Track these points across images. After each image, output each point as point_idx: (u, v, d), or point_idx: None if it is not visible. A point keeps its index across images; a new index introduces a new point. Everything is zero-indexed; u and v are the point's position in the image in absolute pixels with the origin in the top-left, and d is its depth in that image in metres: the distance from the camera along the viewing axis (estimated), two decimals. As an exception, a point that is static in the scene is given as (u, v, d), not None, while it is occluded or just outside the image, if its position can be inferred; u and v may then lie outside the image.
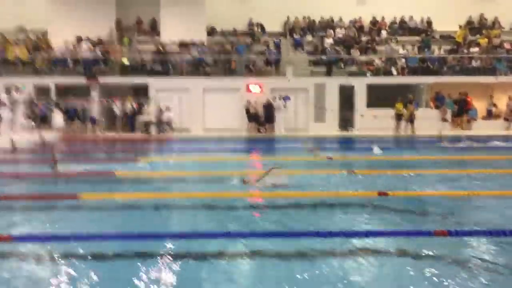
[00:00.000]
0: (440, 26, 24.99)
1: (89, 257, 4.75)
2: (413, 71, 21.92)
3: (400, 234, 5.38)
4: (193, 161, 11.72)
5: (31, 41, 23.36)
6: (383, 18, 25.65)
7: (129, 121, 20.87)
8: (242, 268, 4.57)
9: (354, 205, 6.95)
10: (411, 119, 19.22)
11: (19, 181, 8.93)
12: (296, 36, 24.59)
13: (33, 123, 18.90)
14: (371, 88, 21.04)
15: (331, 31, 24.55)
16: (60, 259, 4.71)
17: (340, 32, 24.74)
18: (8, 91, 15.52)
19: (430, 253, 4.86)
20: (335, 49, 23.04)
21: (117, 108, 20.46)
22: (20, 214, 6.51)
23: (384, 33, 24.73)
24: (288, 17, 26.05)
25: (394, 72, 21.85)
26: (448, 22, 24.41)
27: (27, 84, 20.52)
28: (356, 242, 5.19)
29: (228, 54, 22.37)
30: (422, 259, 4.75)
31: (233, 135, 19.28)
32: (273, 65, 22.34)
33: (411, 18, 25.67)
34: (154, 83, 21.15)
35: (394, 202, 7.03)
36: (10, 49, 22.09)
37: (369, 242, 5.18)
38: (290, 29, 25.55)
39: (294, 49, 24.01)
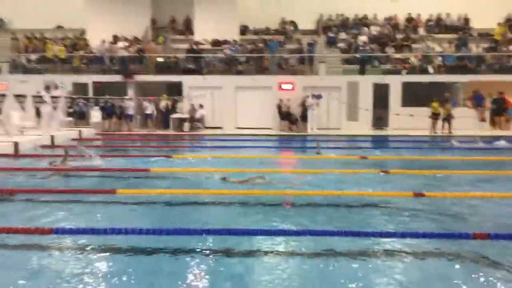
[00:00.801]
0: (478, 23, 24.32)
1: (124, 251, 4.87)
2: (450, 69, 21.39)
3: (437, 236, 5.27)
4: (225, 159, 11.79)
5: (70, 40, 24.04)
6: (419, 15, 25.13)
7: (163, 118, 21.21)
8: (275, 265, 4.58)
9: (389, 205, 6.85)
10: (448, 118, 18.76)
11: (58, 176, 9.21)
12: (329, 34, 24.38)
13: (71, 120, 19.46)
14: (406, 87, 20.65)
15: (365, 28, 24.26)
16: (96, 252, 4.85)
17: (374, 30, 24.40)
18: (47, 88, 15.98)
19: (470, 256, 4.75)
20: (369, 46, 22.73)
21: (151, 105, 20.80)
22: (60, 208, 6.71)
23: (420, 31, 24.23)
24: (321, 15, 25.92)
25: (430, 70, 21.37)
26: (486, 19, 23.68)
27: (65, 82, 21.19)
28: (392, 243, 5.13)
29: (261, 52, 22.40)
30: (462, 262, 4.66)
31: (265, 133, 19.30)
32: (306, 63, 22.23)
33: (448, 15, 25.08)
34: (187, 81, 21.41)
35: (431, 203, 6.90)
36: (49, 47, 22.78)
37: (405, 243, 5.11)
38: (323, 27, 25.40)
39: (327, 47, 23.83)
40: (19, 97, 14.65)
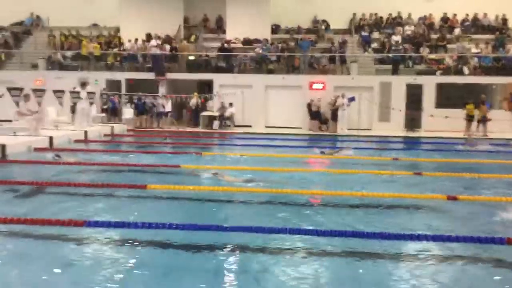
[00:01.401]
0: (516, 24, 23.57)
1: (153, 245, 4.92)
2: (486, 71, 20.79)
3: (470, 240, 5.10)
4: (254, 157, 11.79)
5: (104, 38, 24.53)
6: (454, 15, 24.52)
7: (194, 115, 21.39)
8: (302, 265, 4.54)
9: (422, 208, 6.69)
10: (483, 121, 18.24)
11: (92, 170, 9.40)
12: (362, 33, 24.07)
13: (104, 116, 19.85)
14: (440, 88, 20.19)
15: (399, 28, 23.82)
16: (126, 245, 4.92)
17: (408, 29, 23.94)
18: (83, 84, 16.35)
19: (504, 261, 4.59)
20: (402, 46, 22.33)
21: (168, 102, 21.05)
22: (93, 201, 6.85)
23: (456, 31, 23.64)
24: (354, 14, 25.59)
25: (466, 71, 20.82)
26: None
27: (99, 79, 21.63)
28: (423, 245, 5.01)
29: (292, 52, 22.30)
30: (494, 267, 4.51)
31: (294, 132, 19.22)
32: (337, 63, 22.01)
33: (485, 15, 24.36)
34: (218, 80, 21.53)
35: (464, 207, 6.71)
36: (84, 45, 23.29)
37: (436, 246, 4.98)
38: (356, 26, 25.08)
39: (359, 47, 23.54)
40: (56, 93, 15.01)
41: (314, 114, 20.24)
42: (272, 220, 5.94)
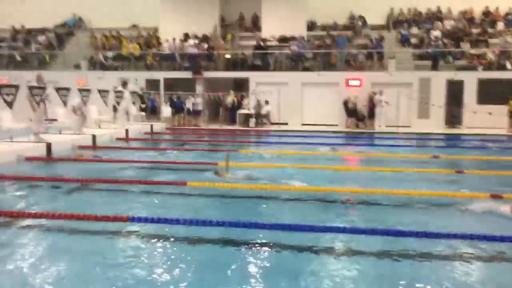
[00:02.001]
0: None
1: (193, 241, 5.05)
2: (531, 65, 20.03)
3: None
4: (290, 155, 11.81)
5: (143, 38, 25.08)
6: (497, 9, 23.70)
7: (230, 114, 21.59)
8: (337, 263, 4.55)
9: (464, 207, 6.55)
10: (527, 117, 17.61)
11: (133, 167, 9.67)
12: (400, 29, 23.62)
13: (144, 114, 20.32)
14: (482, 83, 19.59)
15: (439, 23, 23.24)
16: (167, 241, 5.06)
17: (448, 24, 23.32)
18: (124, 84, 16.81)
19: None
20: (442, 41, 21.78)
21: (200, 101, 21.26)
22: (135, 198, 7.06)
23: (499, 25, 22.85)
24: (391, 9, 25.14)
25: (509, 66, 20.11)
26: None
27: (139, 78, 22.16)
28: (464, 245, 4.93)
29: (328, 48, 22.14)
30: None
31: (331, 129, 19.11)
32: (375, 59, 21.71)
33: (529, 8, 23.46)
34: (254, 77, 21.63)
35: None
36: (125, 45, 23.88)
37: (479, 245, 4.89)
38: (393, 22, 24.63)
39: (397, 42, 23.11)
40: (100, 93, 15.51)
41: (351, 111, 20.06)
42: (311, 218, 5.97)
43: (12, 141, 11.06)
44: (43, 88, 11.57)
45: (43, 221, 5.64)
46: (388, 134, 17.80)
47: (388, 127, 19.20)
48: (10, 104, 10.45)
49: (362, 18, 25.05)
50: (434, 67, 20.66)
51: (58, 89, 12.78)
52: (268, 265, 4.46)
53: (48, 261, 4.50)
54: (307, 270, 4.32)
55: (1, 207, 6.29)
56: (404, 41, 22.85)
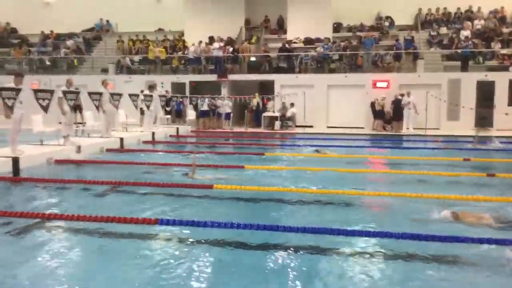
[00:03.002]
0: None
1: (219, 244, 5.03)
2: None
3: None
4: (315, 157, 11.68)
5: (169, 42, 25.33)
6: (529, 7, 23.08)
7: (255, 116, 21.58)
8: (365, 266, 4.44)
9: (496, 211, 6.32)
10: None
11: (160, 170, 9.72)
12: (428, 29, 23.21)
13: (169, 117, 20.50)
14: (514, 84, 19.08)
15: (469, 22, 22.72)
16: (195, 243, 5.04)
17: (478, 24, 22.79)
18: (150, 88, 16.99)
19: None
20: (472, 42, 21.28)
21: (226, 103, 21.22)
22: (163, 200, 7.09)
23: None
24: (419, 9, 24.73)
25: (542, 66, 19.53)
26: None
27: (165, 81, 22.38)
28: (495, 250, 4.76)
29: (355, 50, 21.92)
30: None
31: (358, 132, 18.89)
32: (403, 60, 21.36)
33: None
34: (279, 80, 21.57)
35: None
36: (151, 49, 24.17)
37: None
38: (422, 22, 24.23)
39: (426, 43, 22.71)
40: (131, 97, 15.67)
41: (378, 113, 19.78)
42: (329, 221, 5.85)
43: (42, 144, 11.29)
44: (75, 93, 11.77)
45: (73, 223, 5.70)
46: (416, 136, 17.48)
47: (416, 129, 18.86)
48: (45, 109, 10.62)
49: (389, 18, 24.72)
50: (464, 68, 20.21)
51: (90, 94, 12.95)
52: (298, 268, 4.39)
53: (77, 263, 4.55)
54: (332, 273, 4.24)
55: (33, 209, 6.39)
56: (431, 39, 22.43)
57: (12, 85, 9.78)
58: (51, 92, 10.95)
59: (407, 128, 19.04)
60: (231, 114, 21.28)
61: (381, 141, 16.72)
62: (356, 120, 20.52)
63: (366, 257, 4.69)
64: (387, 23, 24.56)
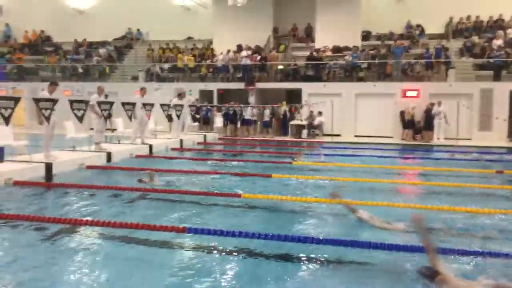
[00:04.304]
0: None
1: (247, 253, 5.04)
2: None
3: None
4: (342, 167, 11.57)
5: (198, 51, 25.63)
6: None
7: (282, 124, 21.56)
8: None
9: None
10: None
11: (188, 177, 9.80)
12: (460, 38, 22.78)
13: (197, 125, 20.68)
14: (550, 94, 18.50)
15: (501, 32, 22.18)
16: (219, 252, 5.06)
17: (511, 33, 22.23)
18: (179, 95, 17.21)
19: None
20: (505, 51, 20.76)
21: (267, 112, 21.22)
22: (191, 208, 7.13)
23: None
24: (451, 18, 24.32)
25: None
26: None
27: (193, 89, 22.63)
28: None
29: (384, 58, 21.69)
30: None
31: (386, 141, 18.64)
32: (433, 69, 21.02)
33: None
34: (307, 88, 21.52)
35: None
36: (180, 57, 24.50)
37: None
38: (453, 30, 23.81)
39: (457, 52, 22.28)
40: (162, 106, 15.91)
41: (408, 123, 19.49)
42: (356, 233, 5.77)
43: (74, 150, 11.56)
44: (109, 103, 12.02)
45: (102, 229, 5.80)
46: (446, 146, 17.13)
47: (447, 139, 18.49)
48: (80, 119, 10.83)
49: (420, 27, 24.39)
50: (497, 77, 19.73)
51: (124, 104, 13.17)
52: (319, 281, 4.34)
53: (105, 268, 4.62)
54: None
55: (64, 214, 6.54)
56: (462, 48, 22.01)
57: (45, 92, 10.08)
58: (86, 102, 11.23)
59: (438, 138, 18.70)
60: (258, 122, 21.33)
61: (411, 151, 16.44)
62: (384, 129, 20.27)
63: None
64: (417, 32, 24.22)
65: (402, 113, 19.71)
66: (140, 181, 8.84)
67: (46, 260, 4.85)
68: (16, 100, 8.96)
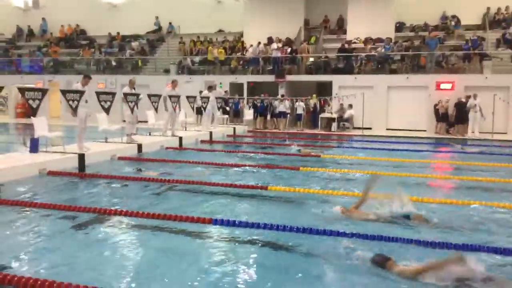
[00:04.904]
0: None
1: (272, 246, 5.03)
2: None
3: None
4: (373, 161, 11.41)
5: (229, 43, 25.69)
6: None
7: (312, 117, 21.42)
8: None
9: None
10: None
11: (216, 169, 9.89)
12: (497, 29, 22.02)
13: (227, 117, 20.80)
14: None
15: (542, 21, 21.37)
16: (244, 243, 5.08)
17: (552, 23, 21.38)
18: (209, 88, 17.32)
19: None
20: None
21: (300, 105, 21.07)
22: (218, 200, 7.19)
23: None
24: (488, 8, 23.51)
25: None
26: None
27: (224, 82, 22.73)
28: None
29: (418, 50, 21.21)
30: None
31: (419, 135, 18.26)
32: (469, 61, 20.41)
33: None
34: (337, 81, 21.29)
35: None
36: (210, 50, 24.62)
37: None
38: (490, 21, 23.03)
39: (493, 43, 21.56)
40: (188, 98, 16.08)
41: (442, 116, 19.02)
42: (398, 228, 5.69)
43: (107, 142, 11.82)
44: (135, 95, 12.23)
45: (132, 219, 5.92)
46: (481, 140, 16.66)
47: (482, 133, 17.97)
48: (107, 110, 11.15)
49: (455, 17, 23.70)
50: (536, 69, 19.03)
51: (150, 96, 13.39)
52: (343, 275, 4.30)
53: (133, 258, 4.71)
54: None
55: (96, 204, 6.70)
56: (500, 39, 21.27)
57: (79, 85, 10.33)
58: (113, 94, 11.48)
59: (472, 132, 18.21)
60: (288, 115, 21.24)
61: (445, 145, 16.05)
62: (418, 122, 19.87)
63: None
64: (453, 23, 23.55)
65: (435, 106, 19.26)
66: (139, 170, 9.14)
67: (79, 248, 4.99)
68: (44, 91, 9.21)
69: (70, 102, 9.75)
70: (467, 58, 20.40)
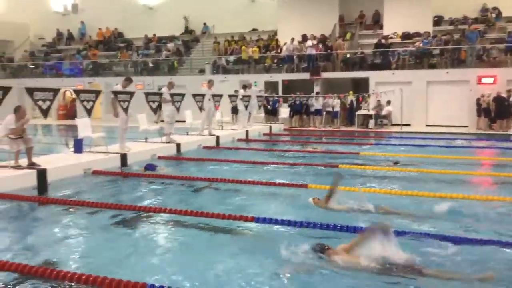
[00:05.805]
0: None
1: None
2: None
3: None
4: (413, 158, 11.15)
5: (263, 42, 25.70)
6: None
7: (349, 114, 21.16)
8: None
9: None
10: None
11: (253, 168, 9.90)
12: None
13: (263, 116, 20.81)
14: None
15: None
16: (285, 241, 5.03)
17: None
18: (244, 87, 17.39)
19: None
20: None
21: (337, 102, 20.84)
22: (257, 198, 7.22)
23: None
24: (531, -2, 22.61)
25: None
26: None
27: (258, 81, 22.76)
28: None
29: (457, 44, 20.61)
30: None
31: (460, 131, 17.75)
32: (511, 54, 19.69)
33: None
34: (374, 77, 20.96)
35: None
36: (244, 49, 24.69)
37: None
38: (534, 12, 22.14)
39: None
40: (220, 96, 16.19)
41: (484, 111, 18.42)
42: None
43: (147, 142, 12.07)
44: (180, 95, 12.42)
45: (173, 217, 6.03)
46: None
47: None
48: (155, 111, 11.42)
49: (496, 10, 22.89)
50: None
51: (195, 96, 13.53)
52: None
53: (175, 254, 4.82)
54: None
55: (137, 202, 6.85)
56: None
57: (119, 86, 10.59)
58: (160, 95, 11.75)
59: (516, 127, 17.55)
60: (324, 113, 21.04)
61: (488, 141, 15.53)
62: (459, 118, 19.31)
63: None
64: (493, 15, 22.76)
65: (478, 101, 18.67)
66: (145, 169, 9.25)
67: (120, 244, 5.12)
68: (97, 93, 9.51)
69: (121, 103, 10.02)
70: (509, 51, 19.67)
